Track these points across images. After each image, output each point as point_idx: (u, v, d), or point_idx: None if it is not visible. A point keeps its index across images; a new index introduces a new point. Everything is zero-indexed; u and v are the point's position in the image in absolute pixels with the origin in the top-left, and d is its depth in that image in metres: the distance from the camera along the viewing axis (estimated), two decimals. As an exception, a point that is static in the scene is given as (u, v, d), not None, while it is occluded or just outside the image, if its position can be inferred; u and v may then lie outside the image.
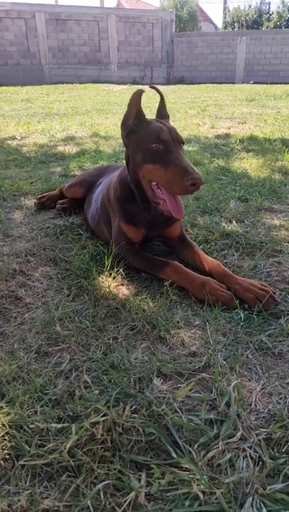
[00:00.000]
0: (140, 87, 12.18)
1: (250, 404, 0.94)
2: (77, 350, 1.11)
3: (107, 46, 16.33)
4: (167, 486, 0.75)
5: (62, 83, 14.78)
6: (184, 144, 1.46)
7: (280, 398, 0.96)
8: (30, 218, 2.01)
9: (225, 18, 25.24)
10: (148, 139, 1.38)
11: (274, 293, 1.33)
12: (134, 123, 1.47)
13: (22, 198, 2.30)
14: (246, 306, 1.30)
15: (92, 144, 4.15)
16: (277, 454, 0.81)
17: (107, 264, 1.48)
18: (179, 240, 1.61)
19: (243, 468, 0.77)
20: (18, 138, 4.68)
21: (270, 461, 0.78)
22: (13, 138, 4.67)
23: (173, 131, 1.41)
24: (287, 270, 1.51)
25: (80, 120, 6.12)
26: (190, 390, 0.97)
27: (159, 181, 1.37)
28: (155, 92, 1.67)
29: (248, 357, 1.10)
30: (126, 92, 11.94)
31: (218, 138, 4.36)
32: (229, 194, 2.36)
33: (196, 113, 7.05)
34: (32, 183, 2.64)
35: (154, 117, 1.59)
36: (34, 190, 2.46)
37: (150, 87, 1.68)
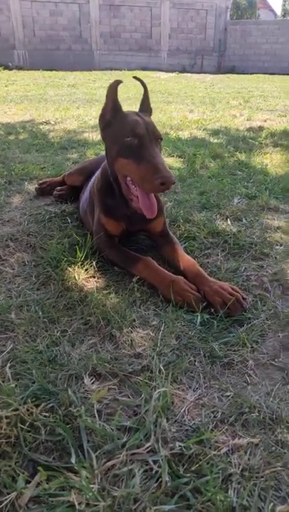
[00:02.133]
0: (189, 75, 12.04)
1: (176, 415, 0.89)
2: (23, 340, 1.10)
3: (158, 33, 16.09)
4: (59, 490, 0.73)
5: (111, 69, 14.79)
6: (161, 139, 1.40)
7: (212, 412, 0.90)
8: (26, 203, 2.03)
9: (284, 5, 24.05)
10: (123, 133, 1.33)
11: (244, 298, 1.25)
12: (110, 115, 1.43)
13: (26, 183, 2.32)
14: (212, 310, 1.23)
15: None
16: (182, 472, 0.76)
17: (79, 255, 1.45)
18: (161, 236, 1.56)
19: (136, 483, 0.72)
20: (52, 123, 4.73)
21: (167, 479, 0.73)
22: (47, 123, 4.73)
23: (150, 126, 1.35)
24: (268, 275, 1.42)
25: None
26: (107, 393, 0.93)
27: (132, 177, 1.33)
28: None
29: (194, 364, 1.04)
30: (172, 80, 11.77)
31: (249, 131, 4.18)
32: (238, 190, 2.25)
33: (238, 104, 6.82)
34: (43, 168, 2.66)
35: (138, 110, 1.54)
36: (42, 176, 2.47)
37: (133, 77, 1.62)
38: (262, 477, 0.76)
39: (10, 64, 14.05)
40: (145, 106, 1.54)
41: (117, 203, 1.49)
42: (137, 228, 1.56)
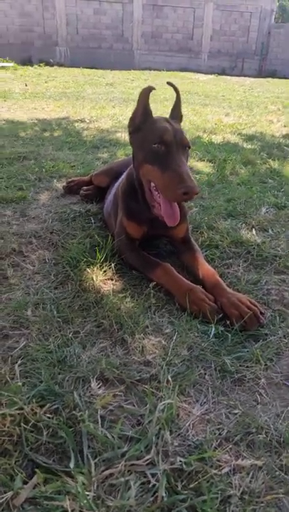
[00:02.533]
0: (228, 78, 11.90)
1: (180, 428, 0.87)
2: (36, 338, 1.12)
3: (200, 34, 15.97)
4: (55, 494, 0.73)
5: (150, 69, 14.81)
6: (189, 148, 1.38)
7: (217, 428, 0.88)
8: (53, 201, 2.05)
9: None
10: (151, 139, 1.32)
11: (261, 313, 1.22)
12: (140, 120, 1.43)
13: (55, 181, 2.35)
14: (228, 323, 1.20)
15: (152, 133, 4.11)
16: (180, 489, 0.74)
17: (98, 256, 1.46)
18: (183, 242, 1.54)
19: (132, 495, 0.71)
20: (87, 121, 4.78)
21: (164, 494, 0.72)
22: (82, 121, 4.79)
23: (178, 134, 1.33)
24: (289, 291, 1.38)
25: (153, 108, 6.09)
26: (113, 400, 0.92)
27: (156, 184, 1.32)
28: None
29: (204, 377, 1.02)
30: (211, 82, 11.66)
31: (285, 138, 4.09)
32: (266, 199, 2.20)
33: (276, 109, 6.68)
34: (73, 166, 2.69)
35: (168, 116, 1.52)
36: (71, 174, 2.50)
37: (167, 83, 1.60)
38: (262, 502, 0.74)
39: (51, 60, 14.34)
40: (176, 112, 1.52)
41: (140, 207, 1.48)
42: (159, 233, 1.55)
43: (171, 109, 1.53)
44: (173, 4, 15.36)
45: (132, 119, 1.45)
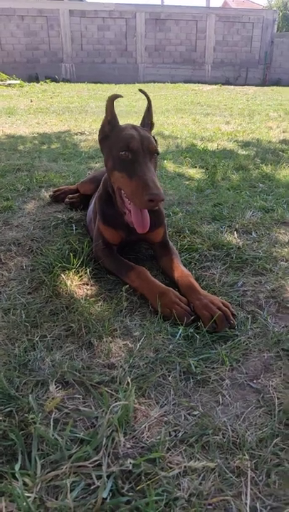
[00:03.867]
0: (231, 87, 11.96)
1: (135, 430, 0.86)
2: (2, 343, 1.12)
3: (203, 46, 16.14)
4: (-2, 496, 0.72)
5: (155, 82, 14.99)
6: (157, 154, 1.38)
7: (174, 430, 0.86)
8: (38, 210, 2.07)
9: None
10: (118, 146, 1.33)
11: (233, 315, 1.20)
12: (108, 128, 1.44)
13: (43, 190, 2.37)
14: (199, 324, 1.19)
15: (148, 143, 4.14)
16: (125, 491, 0.73)
17: (74, 261, 1.46)
18: (161, 246, 1.54)
19: (71, 497, 0.70)
20: (86, 133, 4.84)
21: (104, 496, 0.70)
22: (82, 133, 4.85)
23: (145, 141, 1.33)
24: (265, 292, 1.35)
25: (154, 119, 6.11)
26: (60, 403, 0.91)
27: (125, 191, 1.33)
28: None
29: (167, 379, 1.00)
30: (214, 92, 11.74)
31: (282, 143, 4.07)
32: (254, 203, 2.18)
33: (277, 116, 6.68)
34: (64, 176, 2.72)
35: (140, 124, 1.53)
36: (61, 184, 2.52)
37: (139, 90, 1.60)
38: (209, 505, 0.71)
39: (57, 77, 14.62)
40: (147, 120, 1.53)
41: (116, 213, 1.48)
42: (137, 238, 1.55)
43: (142, 117, 1.54)
44: (175, 18, 15.60)
45: (101, 128, 1.47)
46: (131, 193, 1.28)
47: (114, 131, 1.41)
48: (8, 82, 12.34)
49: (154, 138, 1.46)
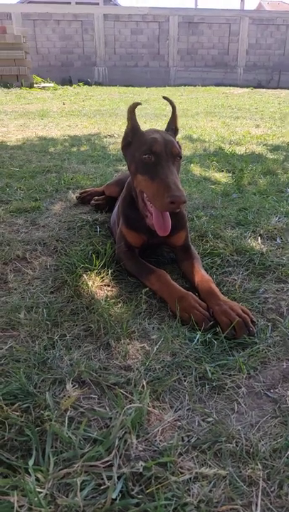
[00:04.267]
0: (263, 91, 11.78)
1: (148, 433, 0.86)
2: (23, 340, 1.15)
3: (235, 49, 16.00)
4: (8, 489, 0.74)
5: (186, 85, 14.97)
6: (180, 157, 1.39)
7: (187, 435, 0.86)
8: (65, 211, 2.11)
9: None
10: (141, 150, 1.35)
11: (253, 322, 1.19)
12: (130, 135, 1.47)
13: (70, 192, 2.42)
14: (218, 330, 1.18)
15: (176, 146, 4.14)
16: (135, 493, 0.73)
17: (96, 262, 1.48)
18: (182, 249, 1.54)
19: (81, 496, 0.71)
20: (116, 136, 4.89)
21: (114, 497, 0.71)
22: (112, 136, 4.91)
23: (169, 144, 1.35)
24: (287, 299, 1.33)
25: (183, 122, 6.14)
26: (75, 401, 0.92)
27: (147, 193, 1.34)
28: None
29: (182, 384, 1.00)
30: (245, 95, 11.60)
31: (313, 148, 3.98)
32: (281, 208, 2.14)
33: (310, 120, 6.53)
34: (92, 178, 2.76)
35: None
36: (88, 185, 2.56)
37: (163, 97, 1.61)
38: (218, 513, 0.71)
39: (89, 80, 14.85)
40: (171, 125, 1.55)
41: (139, 216, 1.49)
42: (159, 241, 1.55)
43: (168, 123, 1.56)
44: (208, 21, 15.55)
45: (124, 135, 1.50)
46: (152, 196, 1.29)
47: (137, 136, 1.43)
48: (43, 85, 12.63)
49: (177, 142, 1.46)
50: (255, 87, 14.61)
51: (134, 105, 1.45)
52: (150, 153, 1.32)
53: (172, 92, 12.55)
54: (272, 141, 4.37)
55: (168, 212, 1.34)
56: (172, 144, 1.35)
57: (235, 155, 3.53)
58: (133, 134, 1.46)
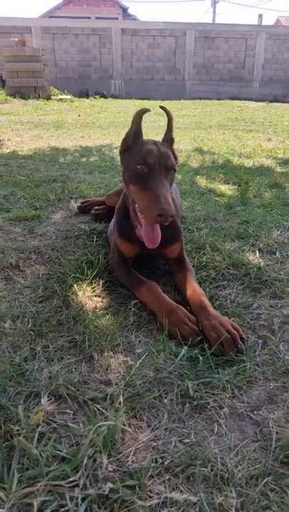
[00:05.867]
0: (278, 105, 11.72)
1: (120, 453, 0.82)
2: (5, 350, 1.12)
3: (252, 63, 16.05)
4: None
5: (201, 99, 15.05)
6: (175, 171, 1.36)
7: (161, 457, 0.82)
8: (64, 220, 2.10)
9: None
10: (136, 160, 1.33)
11: (242, 339, 1.14)
12: (131, 141, 1.44)
13: (72, 201, 2.41)
14: (206, 346, 1.14)
15: (185, 158, 4.13)
16: (99, 517, 0.69)
17: (87, 272, 1.46)
18: (176, 262, 1.51)
19: (41, 518, 0.68)
20: (126, 147, 4.90)
21: (73, 521, 0.67)
22: (122, 147, 4.92)
23: (163, 157, 1.32)
24: (280, 316, 1.28)
25: (195, 134, 6.15)
26: (41, 418, 0.89)
27: (138, 204, 1.32)
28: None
29: (162, 401, 0.96)
30: (260, 109, 11.59)
31: None
32: (284, 222, 2.10)
33: None
34: (96, 188, 2.75)
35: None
36: (91, 195, 2.56)
37: (160, 107, 1.58)
38: None
39: (105, 93, 15.05)
40: (167, 136, 1.51)
41: (133, 226, 1.47)
42: (152, 252, 1.52)
43: (165, 133, 1.53)
44: (225, 36, 15.67)
45: (124, 139, 1.47)
46: (143, 207, 1.27)
47: (137, 144, 1.41)
48: (60, 97, 12.85)
49: (173, 153, 1.44)
50: (270, 101, 14.58)
51: (143, 111, 1.42)
52: (144, 164, 1.30)
53: (187, 105, 12.63)
54: (283, 154, 4.33)
55: (158, 225, 1.31)
56: (167, 157, 1.33)
57: (243, 168, 3.50)
58: (134, 140, 1.43)
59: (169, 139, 1.50)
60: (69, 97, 13.04)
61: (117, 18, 19.21)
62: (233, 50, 15.91)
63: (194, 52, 15.81)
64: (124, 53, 15.73)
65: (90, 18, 17.84)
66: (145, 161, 1.30)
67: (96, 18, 18.05)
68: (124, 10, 26.92)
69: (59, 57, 15.56)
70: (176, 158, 1.47)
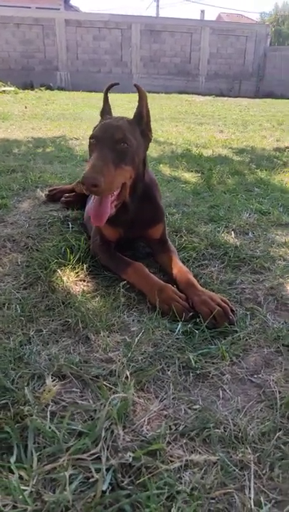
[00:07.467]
0: (225, 99, 12.03)
1: (134, 424, 0.83)
2: (-3, 337, 1.09)
3: (197, 58, 16.35)
4: (-9, 490, 0.68)
5: (149, 92, 15.04)
6: (124, 143, 1.28)
7: (174, 424, 0.84)
8: (34, 208, 2.05)
9: None
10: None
11: (232, 311, 1.19)
12: (101, 118, 1.46)
13: (38, 190, 2.35)
14: (198, 320, 1.17)
15: (144, 148, 4.14)
16: (125, 484, 0.70)
17: (70, 257, 1.44)
18: (159, 243, 1.52)
19: (69, 490, 0.67)
20: (81, 138, 4.83)
21: (104, 489, 0.67)
22: (77, 138, 4.84)
23: (111, 129, 1.29)
24: (263, 289, 1.34)
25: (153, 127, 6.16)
26: (56, 395, 0.88)
27: None
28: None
29: (166, 373, 0.98)
30: (208, 103, 11.86)
31: (276, 150, 4.11)
32: (251, 206, 2.18)
33: (271, 126, 6.75)
34: (60, 177, 2.70)
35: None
36: (57, 184, 2.50)
37: (134, 85, 1.56)
38: (212, 498, 0.69)
39: (52, 85, 14.67)
40: (136, 111, 1.48)
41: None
42: (135, 235, 1.53)
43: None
44: (170, 29, 15.80)
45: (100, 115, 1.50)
46: None
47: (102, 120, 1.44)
48: (3, 88, 12.34)
49: (145, 129, 1.42)
50: (217, 96, 14.96)
51: (109, 86, 1.43)
52: (92, 136, 1.31)
53: (135, 98, 12.52)
54: (236, 145, 4.48)
55: (109, 202, 1.28)
56: (115, 129, 1.29)
57: (203, 157, 3.58)
58: (102, 116, 1.46)
59: (139, 114, 1.46)
60: (12, 88, 12.55)
61: (58, 9, 18.68)
62: (179, 44, 16.10)
63: (140, 45, 15.81)
64: (69, 45, 15.40)
65: (30, 8, 17.18)
66: (93, 134, 1.31)
67: (36, 8, 17.44)
68: (66, 1, 26.30)
69: (0, 48, 14.93)
70: (147, 133, 1.45)
